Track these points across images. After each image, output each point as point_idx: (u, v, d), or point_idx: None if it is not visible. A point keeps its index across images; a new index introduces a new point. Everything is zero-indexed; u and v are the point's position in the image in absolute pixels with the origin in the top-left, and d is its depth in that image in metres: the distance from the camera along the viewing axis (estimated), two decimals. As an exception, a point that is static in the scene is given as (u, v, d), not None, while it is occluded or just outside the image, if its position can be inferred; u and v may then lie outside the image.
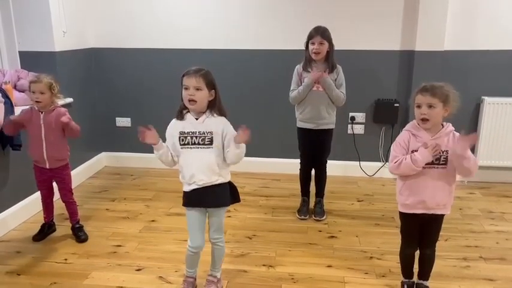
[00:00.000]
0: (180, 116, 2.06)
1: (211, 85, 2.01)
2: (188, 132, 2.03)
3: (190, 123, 2.04)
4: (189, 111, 2.06)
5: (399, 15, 3.70)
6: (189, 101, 1.99)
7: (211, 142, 2.03)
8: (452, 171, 2.01)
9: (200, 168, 2.03)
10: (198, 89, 1.97)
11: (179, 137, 2.04)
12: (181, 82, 2.01)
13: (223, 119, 2.07)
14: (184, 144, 2.04)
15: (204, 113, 2.05)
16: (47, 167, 2.70)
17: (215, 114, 2.05)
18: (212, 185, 2.06)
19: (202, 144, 2.03)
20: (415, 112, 1.99)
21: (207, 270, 2.33)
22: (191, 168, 2.04)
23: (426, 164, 1.98)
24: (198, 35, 3.91)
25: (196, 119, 2.04)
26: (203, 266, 2.32)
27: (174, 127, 2.07)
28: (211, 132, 2.02)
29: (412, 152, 1.99)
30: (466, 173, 2.00)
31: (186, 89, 1.99)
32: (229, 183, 2.15)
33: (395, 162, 2.01)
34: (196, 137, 2.02)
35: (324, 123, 3.01)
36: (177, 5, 3.88)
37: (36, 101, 2.58)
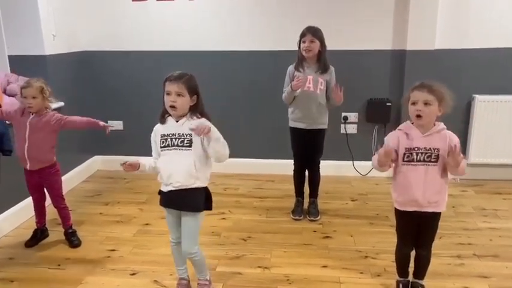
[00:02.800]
0: (163, 120, 2.08)
1: (193, 91, 2.01)
2: (168, 134, 2.03)
3: (171, 126, 2.05)
4: (170, 115, 2.06)
5: (390, 14, 3.71)
6: (170, 106, 1.99)
7: (190, 144, 2.01)
8: (443, 168, 2.02)
9: (177, 170, 2.03)
10: (179, 95, 1.97)
11: (160, 140, 2.05)
12: (163, 87, 2.00)
13: (202, 119, 2.04)
14: (164, 147, 2.04)
15: (184, 116, 2.04)
16: (28, 167, 2.65)
17: (195, 118, 2.04)
18: (188, 188, 2.04)
19: (181, 146, 2.02)
20: (410, 109, 2.00)
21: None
22: (168, 169, 2.04)
23: (417, 161, 2.00)
24: (190, 37, 3.90)
25: (177, 121, 2.04)
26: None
27: (157, 131, 2.09)
28: (190, 134, 2.01)
29: (406, 149, 2.02)
30: (457, 174, 2.04)
31: (167, 94, 1.99)
32: (206, 189, 2.13)
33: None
34: (175, 138, 2.02)
35: (315, 123, 3.02)
36: (169, 7, 3.87)
37: (29, 106, 2.56)
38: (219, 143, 1.99)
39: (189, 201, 2.07)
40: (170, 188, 2.06)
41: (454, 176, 2.09)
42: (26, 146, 2.60)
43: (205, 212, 2.15)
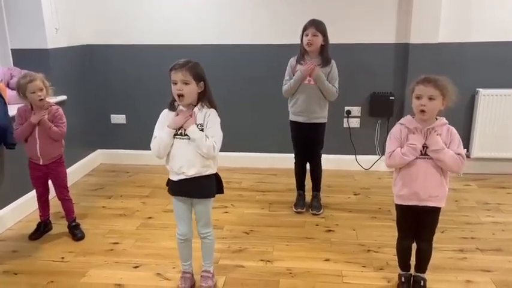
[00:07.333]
0: (172, 107, 2.06)
1: (199, 77, 1.99)
2: None
3: None
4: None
5: (393, 8, 3.69)
6: (178, 96, 1.98)
7: None
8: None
9: (191, 160, 2.02)
10: (185, 83, 1.96)
11: None
12: (169, 76, 1.99)
13: (212, 110, 2.05)
14: (175, 135, 2.03)
15: (195, 105, 2.03)
16: (41, 163, 2.68)
17: (205, 106, 2.04)
18: (200, 176, 2.05)
19: None
20: (414, 103, 1.99)
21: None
22: (181, 159, 2.03)
23: (419, 155, 2.00)
24: (192, 31, 3.88)
25: None
26: (199, 262, 2.31)
27: (166, 117, 2.06)
28: (201, 124, 2.01)
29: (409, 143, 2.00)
30: (447, 168, 2.01)
31: (174, 83, 1.97)
32: (216, 174, 2.14)
33: (389, 155, 2.06)
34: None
35: (315, 117, 3.01)
36: (171, 1, 3.86)
37: (40, 99, 2.55)
38: (202, 141, 1.97)
39: (202, 188, 2.08)
40: (182, 176, 2.05)
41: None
42: (38, 146, 2.63)
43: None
